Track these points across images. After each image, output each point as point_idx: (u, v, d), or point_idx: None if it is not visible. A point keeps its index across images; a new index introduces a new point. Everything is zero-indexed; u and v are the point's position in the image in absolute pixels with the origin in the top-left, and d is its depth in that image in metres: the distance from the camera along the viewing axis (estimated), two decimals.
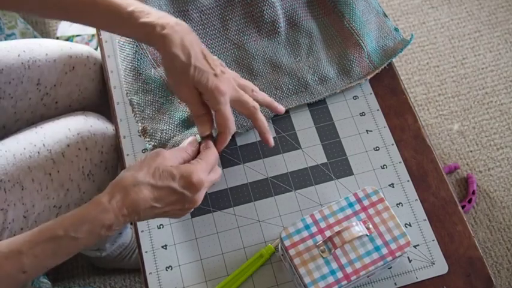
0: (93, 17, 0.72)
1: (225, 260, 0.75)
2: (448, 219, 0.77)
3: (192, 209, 0.70)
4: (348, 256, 0.68)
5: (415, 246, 0.75)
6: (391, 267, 0.74)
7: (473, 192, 1.42)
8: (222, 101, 0.70)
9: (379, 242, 0.69)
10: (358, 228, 0.68)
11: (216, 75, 0.70)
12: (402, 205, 0.78)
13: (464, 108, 1.56)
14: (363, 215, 0.70)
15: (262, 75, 0.86)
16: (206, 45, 0.88)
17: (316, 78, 0.86)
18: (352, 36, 0.87)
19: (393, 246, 0.69)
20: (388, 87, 0.87)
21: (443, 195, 0.79)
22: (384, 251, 0.68)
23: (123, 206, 0.63)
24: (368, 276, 0.71)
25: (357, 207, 0.71)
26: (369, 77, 0.85)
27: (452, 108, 1.56)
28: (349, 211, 0.71)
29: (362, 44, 0.86)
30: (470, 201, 1.41)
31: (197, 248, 0.76)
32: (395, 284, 0.73)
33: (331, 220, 0.70)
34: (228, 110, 0.71)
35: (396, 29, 0.89)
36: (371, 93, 0.86)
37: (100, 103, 0.95)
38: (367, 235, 0.69)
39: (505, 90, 1.58)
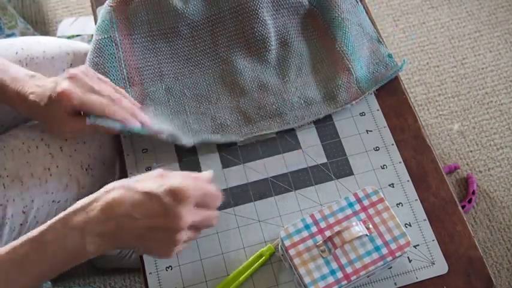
0: None
1: (225, 260, 0.75)
2: (448, 219, 0.77)
3: (178, 243, 0.63)
4: (348, 256, 0.68)
5: (415, 246, 0.75)
6: (391, 267, 0.74)
7: (473, 192, 1.42)
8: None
9: (379, 242, 0.69)
10: (358, 228, 0.68)
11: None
12: (402, 205, 0.78)
13: (464, 108, 1.56)
14: (363, 215, 0.70)
15: (247, 93, 0.85)
16: (195, 61, 0.88)
17: (302, 102, 0.84)
18: (343, 60, 0.86)
19: (393, 246, 0.69)
20: (388, 87, 0.87)
21: (443, 195, 0.79)
22: (384, 251, 0.68)
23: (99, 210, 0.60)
24: (368, 276, 0.71)
25: (357, 207, 0.71)
26: (355, 102, 0.84)
27: (452, 108, 1.56)
28: (349, 211, 0.71)
29: (351, 69, 0.85)
30: (470, 201, 1.41)
31: (197, 248, 0.76)
32: (395, 284, 0.73)
33: (331, 220, 0.70)
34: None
35: (390, 56, 0.88)
36: (371, 94, 0.86)
37: None
38: (367, 235, 0.69)
39: (505, 90, 1.58)
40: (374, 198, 0.71)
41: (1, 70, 0.75)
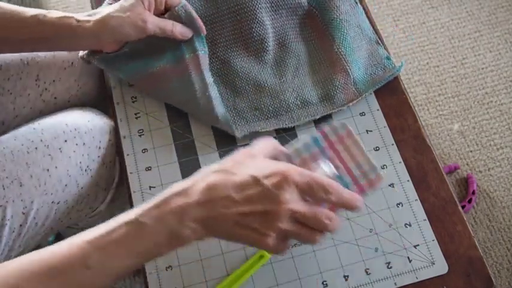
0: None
1: (225, 260, 0.75)
2: (448, 219, 0.77)
3: (275, 230, 0.58)
4: None
5: (415, 246, 0.75)
6: (391, 268, 0.74)
7: (473, 192, 1.42)
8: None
9: (348, 179, 0.65)
10: (323, 169, 0.64)
11: None
12: (402, 205, 0.78)
13: (464, 108, 1.56)
14: (330, 153, 0.65)
15: (243, 94, 0.85)
16: None
17: (298, 102, 0.84)
18: (340, 61, 0.86)
19: (363, 182, 0.65)
20: (388, 87, 0.87)
21: (443, 195, 0.79)
22: (353, 188, 0.65)
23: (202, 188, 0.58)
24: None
25: (323, 144, 0.65)
26: (351, 104, 0.84)
27: (452, 108, 1.56)
28: (315, 149, 0.65)
29: (349, 70, 0.85)
30: (470, 201, 1.41)
31: (197, 248, 0.76)
32: (395, 284, 0.73)
33: (297, 161, 0.64)
34: None
35: (388, 57, 0.88)
36: (371, 93, 0.86)
37: (99, 99, 0.95)
38: (335, 174, 0.64)
39: (505, 90, 1.59)
40: (342, 132, 0.66)
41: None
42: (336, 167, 0.65)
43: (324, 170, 0.64)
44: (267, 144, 0.64)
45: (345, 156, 0.65)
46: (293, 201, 0.58)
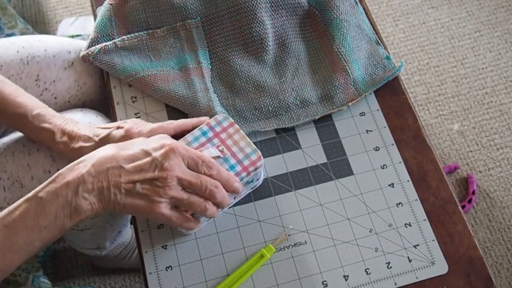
0: (2, 117, 0.75)
1: (225, 260, 0.75)
2: (448, 219, 0.77)
3: (164, 196, 0.64)
4: None
5: (415, 246, 0.75)
6: (391, 267, 0.74)
7: (473, 192, 1.42)
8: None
9: (233, 161, 0.73)
10: (210, 151, 0.72)
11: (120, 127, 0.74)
12: (402, 205, 0.78)
13: (464, 108, 1.56)
14: (216, 141, 0.74)
15: (243, 94, 0.86)
16: None
17: (298, 102, 0.85)
18: (340, 61, 0.86)
19: (246, 162, 0.73)
20: (388, 87, 0.87)
21: (443, 195, 0.79)
22: (238, 168, 0.72)
23: (90, 165, 0.62)
24: (234, 198, 0.76)
25: (210, 134, 0.74)
26: (351, 104, 0.84)
27: (452, 108, 1.56)
28: (203, 139, 0.74)
29: (349, 70, 0.85)
30: (470, 201, 1.42)
31: (197, 248, 0.76)
32: (395, 284, 0.73)
33: None
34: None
35: (388, 57, 0.88)
36: (371, 93, 0.86)
37: (99, 99, 0.95)
38: (221, 157, 0.73)
39: (505, 90, 1.59)
40: (225, 123, 0.75)
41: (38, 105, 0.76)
42: (222, 152, 0.73)
43: (210, 152, 0.72)
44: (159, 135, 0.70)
45: (229, 142, 0.74)
46: (180, 170, 0.64)
